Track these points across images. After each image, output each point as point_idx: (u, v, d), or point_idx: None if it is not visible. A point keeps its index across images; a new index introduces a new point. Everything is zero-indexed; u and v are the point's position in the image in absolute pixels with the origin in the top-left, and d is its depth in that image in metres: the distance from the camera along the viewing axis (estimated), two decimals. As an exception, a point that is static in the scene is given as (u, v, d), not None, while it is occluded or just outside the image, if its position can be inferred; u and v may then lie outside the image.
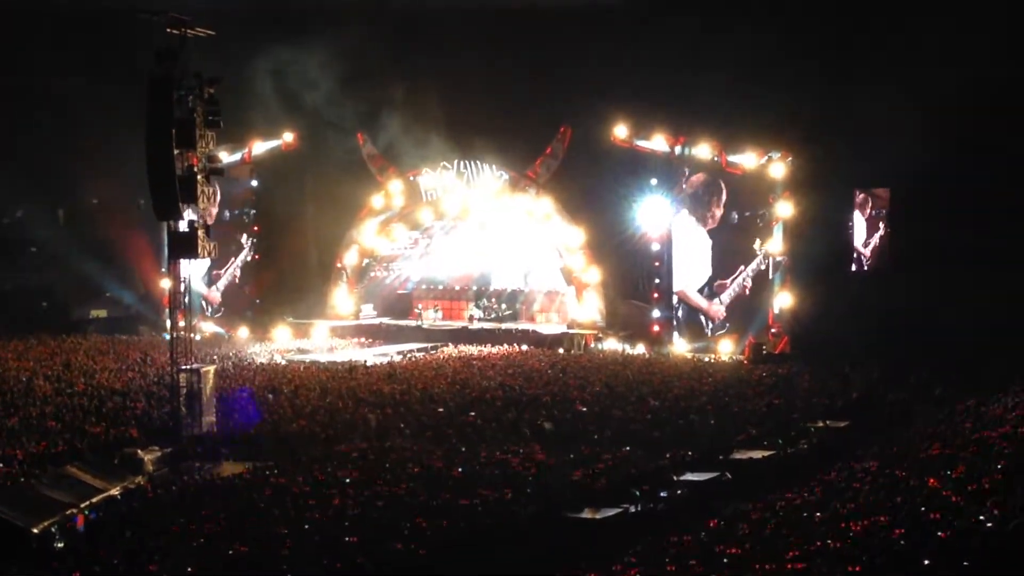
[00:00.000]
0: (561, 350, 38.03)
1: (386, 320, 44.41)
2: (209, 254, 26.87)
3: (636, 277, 40.07)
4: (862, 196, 38.34)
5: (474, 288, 45.21)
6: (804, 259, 36.10)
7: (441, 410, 26.84)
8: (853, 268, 38.32)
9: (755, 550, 15.22)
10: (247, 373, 32.03)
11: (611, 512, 19.27)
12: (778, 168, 36.11)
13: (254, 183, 45.13)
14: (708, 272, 38.06)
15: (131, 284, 46.22)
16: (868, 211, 38.30)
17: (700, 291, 38.22)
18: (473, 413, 26.36)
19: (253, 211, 45.39)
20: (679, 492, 20.93)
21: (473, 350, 37.75)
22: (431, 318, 43.73)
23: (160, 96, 25.05)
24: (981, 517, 14.21)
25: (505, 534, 17.96)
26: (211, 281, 45.68)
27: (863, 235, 38.33)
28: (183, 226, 25.93)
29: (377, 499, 19.08)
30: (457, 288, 45.69)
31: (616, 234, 39.64)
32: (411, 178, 43.31)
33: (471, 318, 43.68)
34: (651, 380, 30.57)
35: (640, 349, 37.84)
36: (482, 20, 40.55)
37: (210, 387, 26.23)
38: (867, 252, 38.32)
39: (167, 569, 15.98)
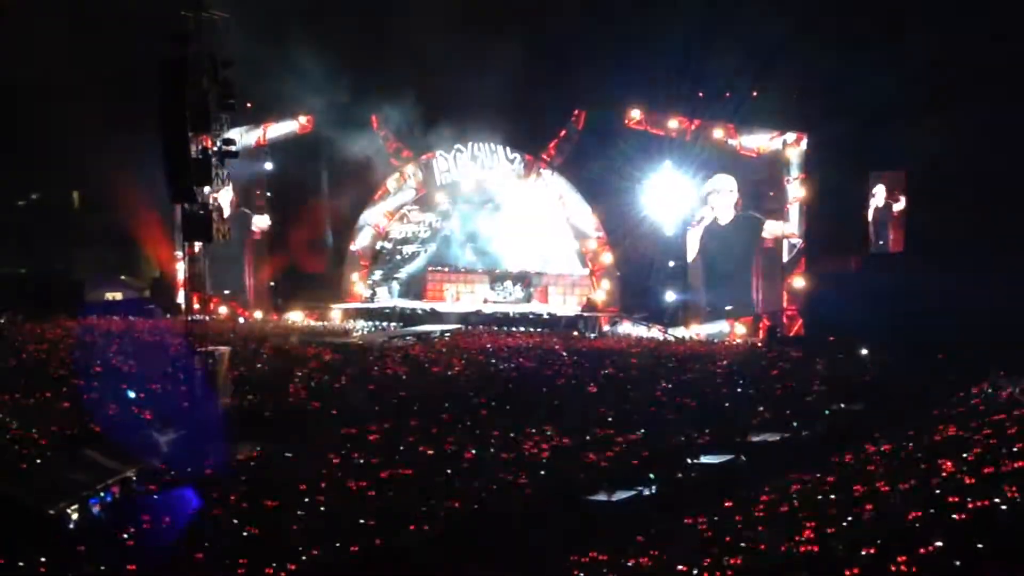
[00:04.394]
0: (576, 332, 38.03)
1: (400, 303, 44.41)
2: (223, 237, 26.82)
3: (651, 259, 39.96)
4: (878, 177, 38.13)
5: (488, 270, 45.17)
6: (819, 241, 35.92)
7: (454, 392, 26.85)
8: (869, 250, 38.14)
9: (769, 532, 15.21)
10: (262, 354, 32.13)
11: (625, 494, 19.28)
12: (793, 150, 35.90)
13: (268, 166, 45.05)
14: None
15: (146, 267, 46.34)
16: (884, 193, 38.09)
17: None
18: (486, 395, 26.38)
19: (268, 193, 45.36)
20: (693, 475, 20.93)
21: (487, 332, 37.72)
22: (452, 299, 43.81)
23: (174, 78, 24.93)
24: (996, 499, 14.16)
25: (518, 516, 17.97)
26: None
27: (879, 217, 38.15)
28: (197, 209, 25.88)
29: (390, 482, 19.10)
30: (471, 271, 45.65)
31: (631, 217, 39.54)
32: (425, 161, 43.23)
33: (485, 300, 43.68)
34: (665, 363, 30.54)
35: (655, 332, 37.79)
36: (495, 3, 40.33)
37: (225, 368, 26.26)
38: (883, 234, 38.13)
39: (182, 550, 16.02)
